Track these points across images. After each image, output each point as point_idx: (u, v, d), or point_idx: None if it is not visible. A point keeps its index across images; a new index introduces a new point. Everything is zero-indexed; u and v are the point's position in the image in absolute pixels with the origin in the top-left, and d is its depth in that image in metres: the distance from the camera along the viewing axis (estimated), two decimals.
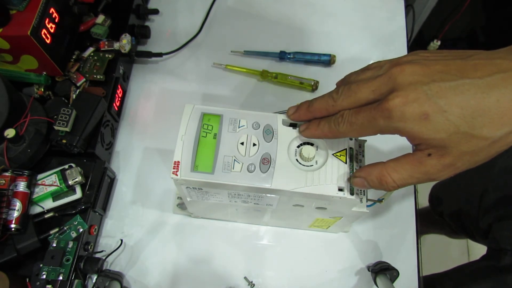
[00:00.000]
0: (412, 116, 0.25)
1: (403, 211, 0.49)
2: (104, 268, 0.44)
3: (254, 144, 0.33)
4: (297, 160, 0.33)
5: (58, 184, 0.41)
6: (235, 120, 0.34)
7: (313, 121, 0.32)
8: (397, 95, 0.25)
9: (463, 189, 0.69)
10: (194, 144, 0.33)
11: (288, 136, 0.34)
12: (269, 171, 0.32)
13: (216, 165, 0.32)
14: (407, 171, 0.27)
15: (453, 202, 0.73)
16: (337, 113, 0.30)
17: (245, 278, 0.45)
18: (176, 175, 0.32)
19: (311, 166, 0.33)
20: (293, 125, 0.34)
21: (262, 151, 0.33)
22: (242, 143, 0.33)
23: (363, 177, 0.30)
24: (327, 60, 0.56)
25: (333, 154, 0.33)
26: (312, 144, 0.34)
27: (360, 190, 0.34)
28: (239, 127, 0.34)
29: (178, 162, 0.32)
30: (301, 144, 0.34)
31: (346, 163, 0.33)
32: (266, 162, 0.32)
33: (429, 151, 0.26)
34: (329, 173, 0.32)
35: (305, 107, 0.32)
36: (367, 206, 0.34)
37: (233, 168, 0.32)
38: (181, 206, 0.47)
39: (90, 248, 0.43)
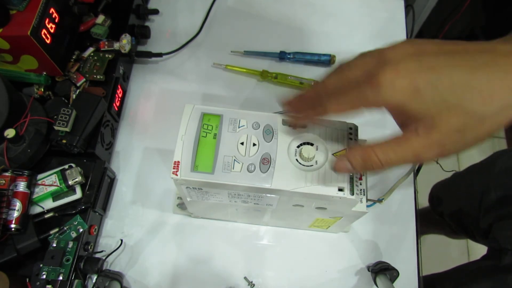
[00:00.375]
0: (402, 88, 0.24)
1: (403, 211, 0.49)
2: (104, 268, 0.44)
3: (254, 144, 0.33)
4: (297, 160, 0.33)
5: (58, 184, 0.41)
6: (235, 120, 0.34)
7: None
8: (388, 68, 0.24)
9: (463, 189, 0.69)
10: (194, 144, 0.33)
11: (288, 136, 0.34)
12: (269, 171, 0.32)
13: (216, 165, 0.32)
14: (393, 149, 0.26)
15: (453, 202, 0.73)
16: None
17: (245, 278, 0.45)
18: (176, 175, 0.32)
19: (311, 166, 0.33)
20: (293, 125, 0.34)
21: (262, 151, 0.33)
22: (242, 143, 0.33)
23: (346, 158, 0.28)
24: (327, 60, 0.56)
25: (333, 154, 0.33)
26: (312, 144, 0.34)
27: (360, 190, 0.34)
28: (239, 127, 0.34)
29: (178, 162, 0.32)
30: (301, 144, 0.34)
31: None
32: (266, 162, 0.32)
33: (417, 125, 0.25)
34: (329, 173, 0.32)
35: (297, 97, 0.31)
36: (367, 206, 0.34)
37: (233, 168, 0.32)
38: (181, 206, 0.47)
39: (90, 248, 0.43)
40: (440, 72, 0.24)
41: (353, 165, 0.28)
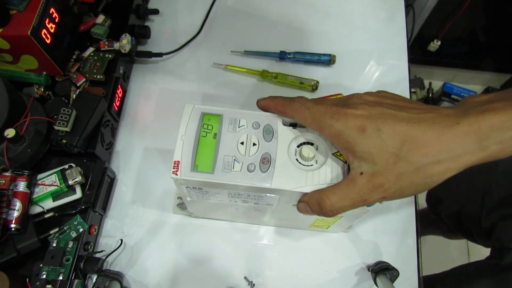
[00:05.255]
0: (353, 126, 0.28)
1: (403, 211, 0.49)
2: (104, 268, 0.44)
3: (254, 144, 0.33)
4: (297, 159, 0.33)
5: (58, 184, 0.41)
6: (235, 120, 0.34)
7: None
8: (349, 109, 0.29)
9: (464, 189, 0.69)
10: (194, 144, 0.33)
11: (288, 136, 0.34)
12: (269, 171, 0.32)
13: (216, 165, 0.32)
14: (343, 191, 0.29)
15: (453, 202, 0.73)
16: None
17: (245, 278, 0.45)
18: (176, 174, 0.32)
19: (311, 165, 0.33)
20: (293, 125, 0.34)
21: (262, 151, 0.33)
22: (242, 143, 0.33)
23: (306, 201, 0.32)
24: (327, 60, 0.56)
25: (333, 154, 0.33)
26: (312, 144, 0.34)
27: None
28: (239, 127, 0.34)
29: (178, 161, 0.32)
30: (301, 144, 0.34)
31: (345, 162, 0.33)
32: (266, 161, 0.32)
33: (361, 169, 0.28)
34: (329, 173, 0.32)
35: (272, 96, 0.35)
36: (367, 205, 0.34)
37: (233, 168, 0.32)
38: (181, 206, 0.47)
39: (90, 248, 0.43)
40: (386, 121, 0.27)
41: (311, 209, 0.32)
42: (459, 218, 0.71)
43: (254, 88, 0.55)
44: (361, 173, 0.28)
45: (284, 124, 0.34)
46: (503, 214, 0.59)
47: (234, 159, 0.33)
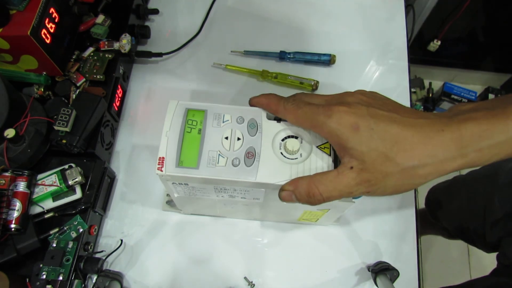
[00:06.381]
0: (346, 123, 0.29)
1: (403, 211, 0.49)
2: (104, 268, 0.44)
3: (238, 139, 0.33)
4: (281, 153, 0.33)
5: (58, 184, 0.41)
6: (219, 115, 0.34)
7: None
8: (342, 105, 0.30)
9: (464, 196, 0.68)
10: (178, 140, 0.33)
11: (272, 129, 0.34)
12: (253, 165, 0.32)
13: (201, 160, 0.32)
14: (331, 183, 0.30)
15: (453, 208, 0.72)
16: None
17: (245, 278, 0.45)
18: (161, 171, 0.32)
19: (295, 159, 0.33)
20: (278, 119, 0.35)
21: (247, 145, 0.33)
22: (227, 138, 0.33)
23: (291, 190, 0.31)
24: (327, 60, 0.56)
25: (317, 147, 0.33)
26: (296, 137, 0.34)
27: None
28: (223, 122, 0.34)
29: (163, 158, 0.32)
30: (285, 138, 0.34)
31: (330, 155, 0.33)
32: (251, 156, 0.33)
33: (352, 164, 0.29)
34: (313, 166, 0.32)
35: (265, 94, 0.35)
36: (353, 198, 0.34)
37: (218, 163, 0.32)
38: (170, 203, 0.47)
39: (90, 248, 0.43)
40: (379, 122, 0.28)
41: (297, 198, 0.31)
42: (461, 227, 0.70)
43: (254, 88, 0.55)
44: (351, 168, 0.29)
45: (269, 118, 0.34)
46: (509, 229, 0.58)
47: (219, 154, 0.33)
